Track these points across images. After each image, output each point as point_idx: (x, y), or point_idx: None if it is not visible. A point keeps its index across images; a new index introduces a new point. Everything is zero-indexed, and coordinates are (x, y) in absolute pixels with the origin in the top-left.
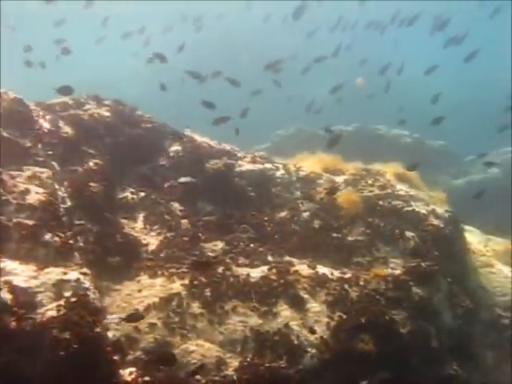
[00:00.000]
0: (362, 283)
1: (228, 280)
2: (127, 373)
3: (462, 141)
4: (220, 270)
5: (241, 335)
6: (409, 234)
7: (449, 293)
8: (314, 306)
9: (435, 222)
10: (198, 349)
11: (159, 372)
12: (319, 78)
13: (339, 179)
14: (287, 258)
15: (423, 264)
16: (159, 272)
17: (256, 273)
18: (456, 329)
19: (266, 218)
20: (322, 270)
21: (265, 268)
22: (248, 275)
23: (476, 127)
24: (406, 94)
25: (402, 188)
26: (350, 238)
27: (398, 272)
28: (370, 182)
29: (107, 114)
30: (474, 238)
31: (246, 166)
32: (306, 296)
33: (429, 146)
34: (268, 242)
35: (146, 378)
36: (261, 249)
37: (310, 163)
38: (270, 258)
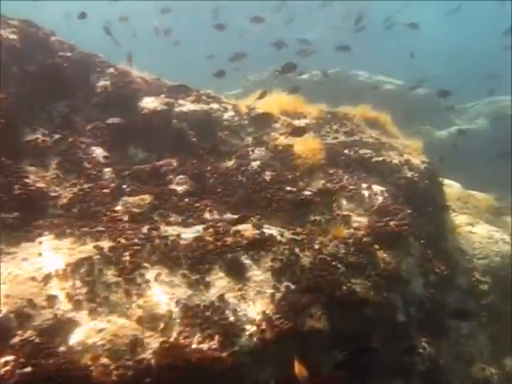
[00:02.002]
0: (317, 246)
1: (153, 242)
2: (1, 363)
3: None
4: (144, 229)
5: (164, 309)
6: (377, 188)
7: (421, 257)
8: (257, 274)
9: (409, 174)
10: (109, 326)
11: (49, 359)
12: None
13: (299, 123)
14: (229, 216)
15: (392, 223)
16: (68, 231)
17: (188, 233)
18: (427, 299)
19: (208, 168)
20: (270, 230)
21: (200, 227)
22: (178, 236)
23: (466, 76)
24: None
25: (372, 135)
26: (306, 193)
27: (361, 233)
28: (335, 127)
29: (13, 36)
30: (453, 193)
31: (187, 105)
32: (247, 262)
33: (413, 93)
34: (209, 197)
35: (27, 370)
36: (197, 204)
37: (265, 104)
38: (207, 216)
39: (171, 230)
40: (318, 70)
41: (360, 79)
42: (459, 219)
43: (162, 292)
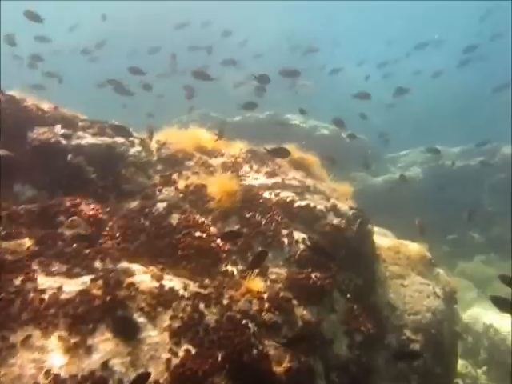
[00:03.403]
0: (225, 302)
1: (26, 296)
2: None
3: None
4: (18, 280)
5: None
6: (299, 235)
7: (346, 314)
8: (152, 336)
9: (335, 220)
10: None
11: None
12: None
13: (216, 161)
14: (124, 265)
15: (314, 275)
16: None
17: (72, 285)
18: (352, 361)
19: (107, 209)
20: (172, 282)
21: (87, 278)
22: (59, 289)
23: (398, 126)
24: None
25: (295, 176)
26: (219, 239)
27: (278, 286)
28: (255, 166)
29: None
30: (384, 242)
31: (87, 138)
32: (141, 320)
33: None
34: (104, 242)
35: None
36: (87, 251)
37: (180, 140)
38: (98, 265)
39: (51, 282)
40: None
41: (294, 122)
42: (390, 270)
43: (29, 360)
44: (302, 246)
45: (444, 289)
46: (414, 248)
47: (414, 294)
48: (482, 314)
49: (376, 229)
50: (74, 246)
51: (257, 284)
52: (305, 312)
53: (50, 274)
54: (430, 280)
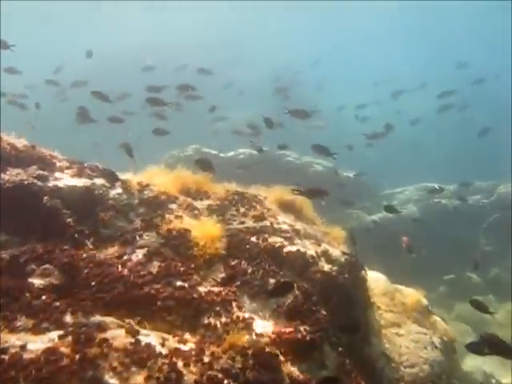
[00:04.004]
0: (206, 359)
1: None
2: None
3: (379, 173)
4: None
5: None
6: None
7: (338, 369)
8: None
9: (326, 267)
10: None
11: None
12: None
13: (201, 204)
14: (97, 319)
15: (303, 328)
16: None
17: (38, 343)
18: None
19: (83, 256)
20: (149, 337)
21: (55, 335)
22: (23, 348)
23: (394, 161)
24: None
25: (285, 220)
26: (201, 289)
27: (264, 341)
28: (242, 210)
29: None
30: (379, 287)
31: (65, 180)
32: (112, 382)
33: (343, 176)
34: (78, 292)
35: None
36: (57, 303)
37: (163, 181)
38: (68, 319)
39: (14, 340)
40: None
41: (288, 159)
42: (385, 318)
43: None
44: (290, 296)
45: (442, 338)
46: (409, 294)
47: (410, 344)
48: (481, 362)
49: (369, 272)
50: (44, 297)
51: (241, 338)
52: (293, 369)
53: (13, 330)
54: (427, 328)
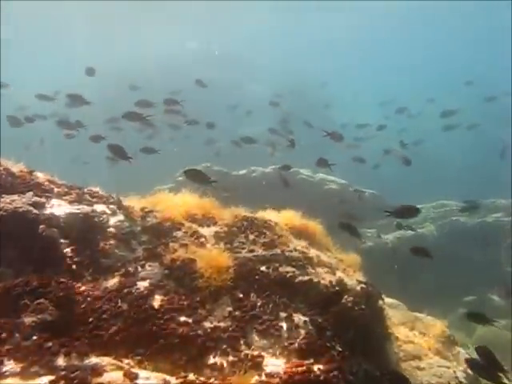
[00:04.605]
0: None
1: None
2: None
3: (395, 190)
4: None
5: None
6: (299, 317)
7: None
8: None
9: (342, 298)
10: None
11: None
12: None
13: (208, 231)
14: (93, 360)
15: (317, 368)
16: None
17: None
18: None
19: (81, 289)
20: (149, 380)
21: (46, 380)
22: None
23: (409, 177)
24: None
25: (297, 247)
26: (207, 325)
27: (274, 382)
28: (251, 237)
29: None
30: (397, 316)
31: (63, 207)
32: None
33: (363, 195)
34: (75, 330)
35: None
36: (49, 344)
37: (168, 207)
38: (60, 362)
39: None
40: (257, 166)
41: (302, 177)
42: (404, 350)
43: None
44: (302, 332)
45: (467, 372)
46: (430, 323)
47: (432, 379)
48: None
49: (387, 299)
50: (35, 337)
51: (249, 380)
52: None
53: (0, 376)
54: (450, 361)
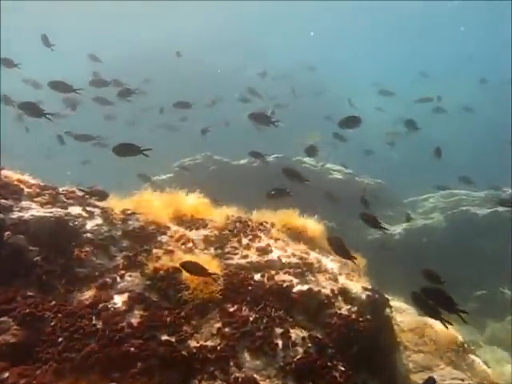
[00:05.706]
0: None
1: None
2: None
3: (402, 180)
4: None
5: None
6: (297, 333)
7: None
8: None
9: (344, 309)
10: None
11: None
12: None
13: (197, 235)
14: None
15: None
16: None
17: None
18: None
19: (51, 304)
20: None
21: None
22: None
23: (418, 162)
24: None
25: (295, 252)
26: (192, 344)
27: None
28: (245, 241)
29: None
30: (406, 322)
31: (33, 210)
32: None
33: (363, 184)
34: (43, 352)
35: None
36: (6, 374)
37: (153, 208)
38: None
39: None
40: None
41: (305, 166)
42: (414, 361)
43: None
44: (300, 350)
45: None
46: (442, 329)
47: None
48: None
49: (394, 303)
50: None
51: None
52: None
53: None
54: (463, 371)
